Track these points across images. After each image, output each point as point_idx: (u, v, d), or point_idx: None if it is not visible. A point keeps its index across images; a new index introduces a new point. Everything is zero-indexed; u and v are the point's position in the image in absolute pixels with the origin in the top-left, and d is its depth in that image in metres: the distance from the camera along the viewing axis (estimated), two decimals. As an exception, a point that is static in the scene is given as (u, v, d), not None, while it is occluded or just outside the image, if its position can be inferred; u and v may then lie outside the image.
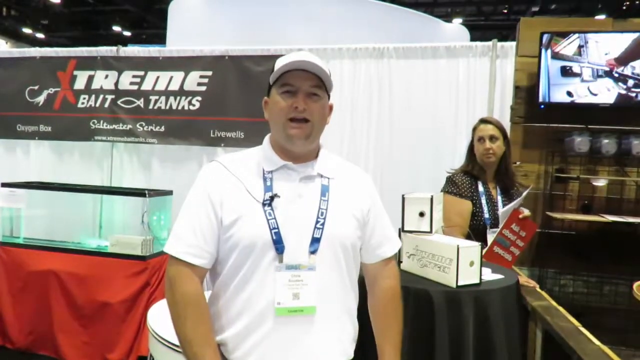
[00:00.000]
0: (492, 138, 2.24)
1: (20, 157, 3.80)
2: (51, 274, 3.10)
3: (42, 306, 3.10)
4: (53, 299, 3.09)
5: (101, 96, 3.60)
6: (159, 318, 2.28)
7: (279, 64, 1.18)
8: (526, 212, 2.08)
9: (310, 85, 1.16)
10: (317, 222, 1.15)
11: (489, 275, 1.74)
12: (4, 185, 3.39)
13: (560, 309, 1.70)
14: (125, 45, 3.76)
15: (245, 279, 1.13)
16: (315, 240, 1.14)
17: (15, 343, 3.17)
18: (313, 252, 1.14)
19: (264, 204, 1.14)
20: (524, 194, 2.14)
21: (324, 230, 1.15)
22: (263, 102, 1.25)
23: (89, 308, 3.03)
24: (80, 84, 3.64)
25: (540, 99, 2.66)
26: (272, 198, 1.14)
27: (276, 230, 1.12)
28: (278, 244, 1.12)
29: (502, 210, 2.12)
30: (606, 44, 2.61)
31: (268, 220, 1.13)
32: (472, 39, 5.64)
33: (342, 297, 1.19)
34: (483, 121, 2.33)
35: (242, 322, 1.13)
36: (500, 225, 2.08)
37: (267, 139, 1.26)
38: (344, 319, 1.20)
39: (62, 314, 3.07)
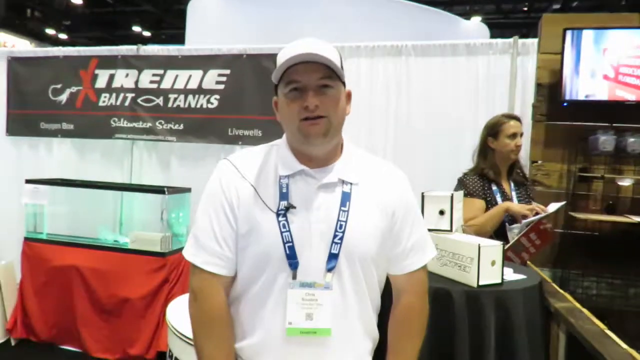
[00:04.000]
0: (521, 135, 2.27)
1: (44, 154, 3.88)
2: (73, 269, 3.16)
3: (65, 300, 3.17)
4: (75, 293, 3.15)
5: (122, 94, 3.65)
6: (178, 314, 2.30)
7: (280, 58, 1.04)
8: (548, 225, 2.10)
9: (318, 78, 1.02)
10: (335, 235, 1.05)
11: (510, 275, 1.71)
12: (28, 182, 3.47)
13: (585, 310, 1.66)
14: (145, 45, 3.80)
15: (260, 294, 1.07)
16: (333, 257, 1.04)
17: (40, 336, 3.25)
18: (330, 270, 1.04)
19: (278, 214, 1.05)
20: (558, 206, 2.11)
21: (343, 244, 1.05)
22: (273, 103, 1.12)
23: (110, 303, 3.09)
24: (101, 82, 3.69)
25: (563, 97, 2.60)
26: (287, 208, 1.05)
27: (290, 244, 1.04)
28: (291, 260, 1.04)
29: (526, 220, 2.08)
30: (632, 41, 2.54)
31: (282, 233, 1.04)
32: (491, 37, 5.56)
33: (361, 318, 1.10)
34: (511, 117, 2.31)
35: (256, 337, 1.08)
36: (520, 234, 2.06)
37: (285, 136, 1.14)
38: (362, 339, 1.12)
39: (84, 308, 3.14)
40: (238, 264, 1.10)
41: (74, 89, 3.75)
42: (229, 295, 1.14)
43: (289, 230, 1.04)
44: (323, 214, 1.06)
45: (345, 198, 1.08)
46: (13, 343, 3.28)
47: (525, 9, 11.87)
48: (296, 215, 1.05)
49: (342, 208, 1.07)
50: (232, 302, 1.14)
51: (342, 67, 1.07)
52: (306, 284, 1.04)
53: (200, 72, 3.50)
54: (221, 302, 1.09)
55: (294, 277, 1.04)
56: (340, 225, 1.05)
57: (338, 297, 1.06)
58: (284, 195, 1.06)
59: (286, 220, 1.05)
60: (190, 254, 1.10)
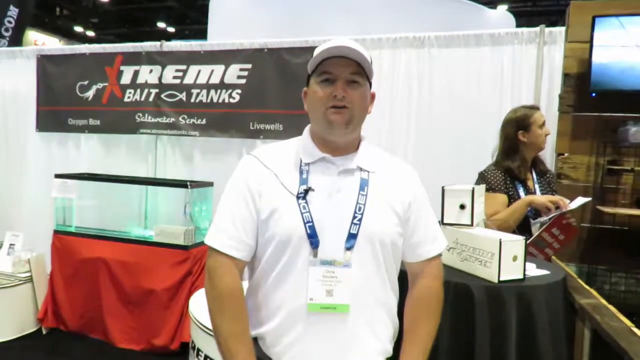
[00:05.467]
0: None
1: (72, 149, 3.98)
2: (100, 261, 3.25)
3: (92, 291, 3.27)
4: (102, 285, 3.24)
5: (146, 90, 3.72)
6: (200, 306, 2.35)
7: (317, 51, 1.15)
8: (572, 220, 2.05)
9: (349, 73, 1.12)
10: (354, 217, 1.12)
11: (533, 270, 1.67)
12: (57, 176, 3.57)
13: (611, 307, 1.61)
14: (169, 40, 3.85)
15: (282, 273, 1.12)
16: (352, 236, 1.11)
17: (69, 325, 3.36)
18: (349, 248, 1.11)
19: (297, 197, 1.12)
20: (582, 202, 2.06)
21: (362, 225, 1.12)
22: (303, 93, 1.23)
23: (135, 294, 3.17)
24: (126, 78, 3.76)
25: (592, 87, 2.52)
26: (306, 191, 1.12)
27: (310, 224, 1.10)
28: (312, 238, 1.10)
29: (547, 217, 2.03)
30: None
31: (302, 213, 1.11)
32: (519, 25, 5.41)
33: (380, 295, 1.16)
34: (534, 108, 2.31)
35: (278, 318, 1.12)
36: (540, 229, 2.01)
37: (307, 130, 1.24)
38: (383, 317, 1.17)
39: (110, 299, 3.22)
40: (260, 250, 1.16)
41: (100, 85, 3.84)
42: (249, 286, 1.21)
43: (309, 211, 1.11)
44: (343, 197, 1.14)
45: (364, 183, 1.16)
46: (44, 332, 3.41)
47: (554, -5, 11.52)
48: (317, 198, 1.13)
49: (361, 192, 1.15)
50: (252, 291, 1.20)
51: (371, 69, 1.17)
52: (326, 261, 1.10)
53: (222, 67, 3.53)
54: (234, 281, 1.14)
55: (315, 255, 1.10)
56: (359, 208, 1.13)
57: (358, 275, 1.12)
58: (304, 180, 1.14)
59: (306, 202, 1.12)
60: (208, 238, 1.17)
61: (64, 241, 3.43)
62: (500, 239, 1.54)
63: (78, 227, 3.59)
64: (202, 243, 3.23)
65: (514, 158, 2.24)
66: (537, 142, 2.24)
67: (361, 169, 1.17)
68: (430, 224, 1.25)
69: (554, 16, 11.36)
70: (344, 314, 1.10)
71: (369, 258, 1.13)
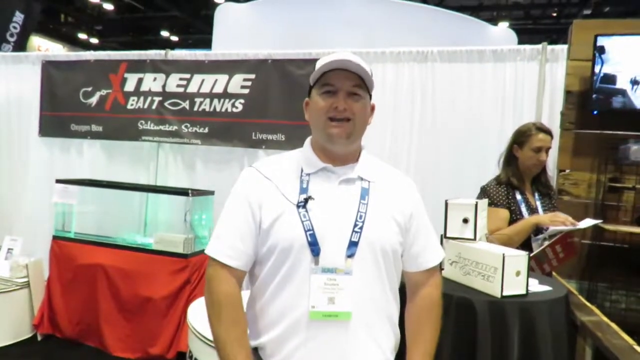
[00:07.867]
0: (548, 150, 2.22)
1: (74, 155, 3.98)
2: (99, 267, 3.23)
3: (90, 298, 3.24)
4: (100, 291, 3.21)
5: (149, 98, 3.73)
6: (199, 315, 2.33)
7: (319, 64, 1.18)
8: (575, 239, 2.06)
9: (351, 85, 1.15)
10: (355, 225, 1.13)
11: (536, 286, 1.67)
12: (58, 181, 3.56)
13: (613, 325, 1.61)
14: (172, 49, 3.88)
15: (283, 282, 1.13)
16: (353, 244, 1.12)
17: (65, 332, 3.32)
18: (350, 256, 1.11)
19: (298, 206, 1.13)
20: (590, 224, 2.07)
21: (362, 234, 1.12)
22: (304, 104, 1.25)
23: (132, 302, 3.14)
24: (130, 86, 3.78)
25: (594, 105, 2.54)
26: (306, 200, 1.14)
27: (311, 232, 1.11)
28: (313, 246, 1.11)
29: (553, 229, 2.03)
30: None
31: (303, 222, 1.12)
32: (519, 43, 5.47)
33: (382, 304, 1.16)
34: (542, 130, 2.25)
35: (280, 327, 1.12)
36: (547, 242, 2.01)
37: (308, 141, 1.26)
38: (385, 326, 1.17)
39: (107, 306, 3.19)
40: (262, 259, 1.16)
41: (103, 92, 3.85)
42: (249, 296, 1.21)
43: (310, 220, 1.12)
44: (343, 205, 1.15)
45: (365, 192, 1.17)
46: (39, 338, 3.37)
47: (555, 14, 11.63)
48: (318, 207, 1.14)
49: (362, 201, 1.16)
50: (253, 301, 1.20)
51: (372, 82, 1.19)
52: (328, 269, 1.11)
53: (226, 77, 3.55)
54: (231, 288, 1.14)
55: (316, 263, 1.10)
56: (360, 216, 1.14)
57: (359, 283, 1.12)
58: (304, 190, 1.16)
59: (306, 211, 1.13)
60: (208, 248, 1.19)
61: (63, 247, 3.40)
62: (503, 254, 1.54)
63: (77, 233, 3.57)
64: (201, 252, 3.22)
65: (507, 169, 2.26)
66: (526, 163, 2.24)
67: (362, 179, 1.19)
68: (429, 235, 1.27)
69: (555, 34, 11.47)
70: (345, 322, 1.10)
71: (370, 266, 1.13)
